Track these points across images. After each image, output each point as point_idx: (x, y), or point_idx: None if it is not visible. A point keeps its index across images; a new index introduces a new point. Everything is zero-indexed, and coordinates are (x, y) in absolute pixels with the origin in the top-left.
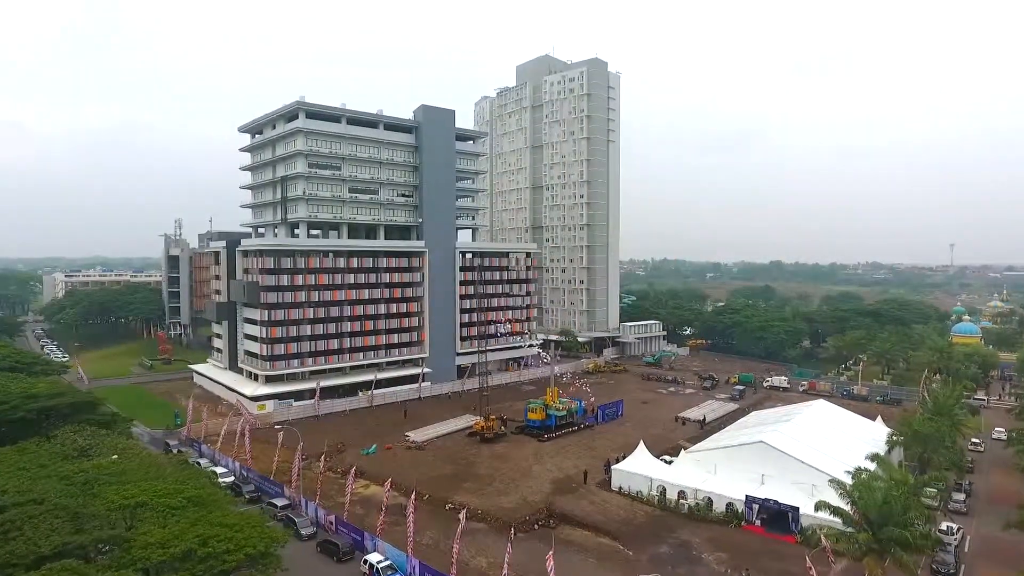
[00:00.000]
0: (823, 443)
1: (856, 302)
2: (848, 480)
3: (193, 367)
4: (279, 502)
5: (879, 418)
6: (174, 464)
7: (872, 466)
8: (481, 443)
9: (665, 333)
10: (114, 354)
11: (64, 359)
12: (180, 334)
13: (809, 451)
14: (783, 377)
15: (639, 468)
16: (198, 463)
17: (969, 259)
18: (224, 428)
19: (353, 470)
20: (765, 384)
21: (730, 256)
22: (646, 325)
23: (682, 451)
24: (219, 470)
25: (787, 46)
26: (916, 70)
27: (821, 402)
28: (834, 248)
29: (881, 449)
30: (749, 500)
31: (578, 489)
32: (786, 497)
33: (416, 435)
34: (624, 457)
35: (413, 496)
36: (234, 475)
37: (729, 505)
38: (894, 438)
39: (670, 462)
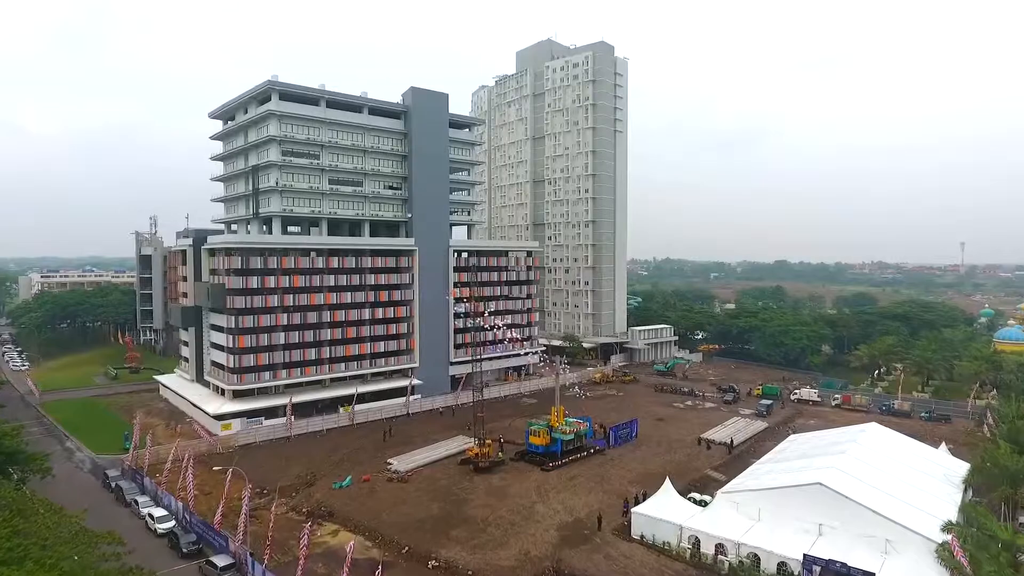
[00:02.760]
0: (889, 482)
1: (872, 304)
2: (937, 537)
3: (159, 378)
4: (220, 561)
5: (943, 445)
6: (72, 526)
7: (955, 514)
8: (475, 473)
9: (677, 338)
10: (79, 361)
11: (23, 367)
12: (152, 340)
13: (876, 494)
14: (812, 389)
15: (665, 512)
16: (135, 501)
17: (974, 258)
18: (171, 455)
19: (309, 525)
20: (793, 397)
21: (732, 255)
22: (657, 330)
23: (718, 493)
24: (157, 512)
25: (790, 45)
26: (917, 69)
27: (875, 426)
28: (837, 247)
29: (957, 487)
30: (808, 560)
31: (591, 538)
32: (854, 556)
33: (400, 463)
34: (646, 495)
35: (380, 570)
36: (176, 519)
37: (782, 565)
38: (974, 476)
39: (701, 502)
